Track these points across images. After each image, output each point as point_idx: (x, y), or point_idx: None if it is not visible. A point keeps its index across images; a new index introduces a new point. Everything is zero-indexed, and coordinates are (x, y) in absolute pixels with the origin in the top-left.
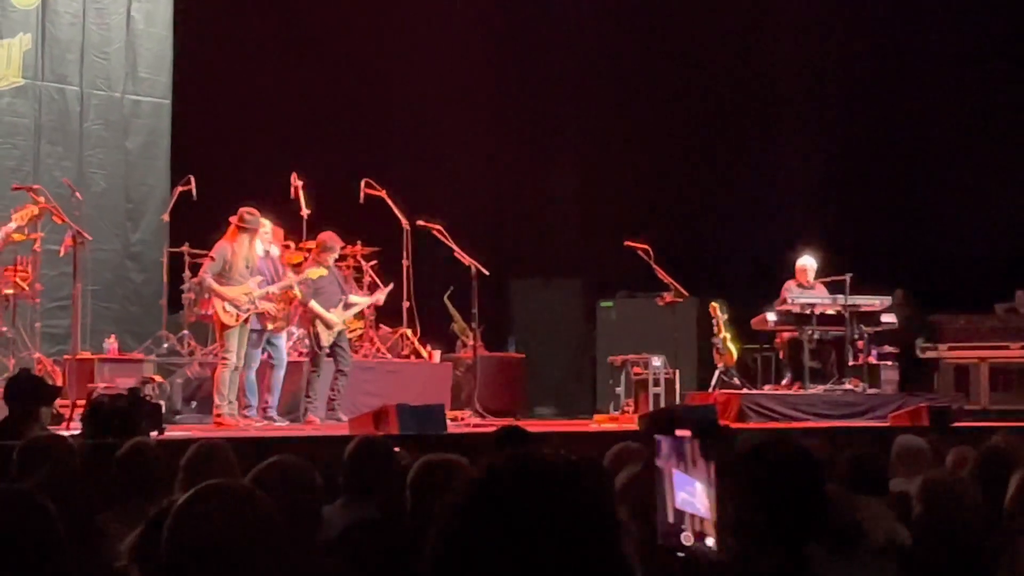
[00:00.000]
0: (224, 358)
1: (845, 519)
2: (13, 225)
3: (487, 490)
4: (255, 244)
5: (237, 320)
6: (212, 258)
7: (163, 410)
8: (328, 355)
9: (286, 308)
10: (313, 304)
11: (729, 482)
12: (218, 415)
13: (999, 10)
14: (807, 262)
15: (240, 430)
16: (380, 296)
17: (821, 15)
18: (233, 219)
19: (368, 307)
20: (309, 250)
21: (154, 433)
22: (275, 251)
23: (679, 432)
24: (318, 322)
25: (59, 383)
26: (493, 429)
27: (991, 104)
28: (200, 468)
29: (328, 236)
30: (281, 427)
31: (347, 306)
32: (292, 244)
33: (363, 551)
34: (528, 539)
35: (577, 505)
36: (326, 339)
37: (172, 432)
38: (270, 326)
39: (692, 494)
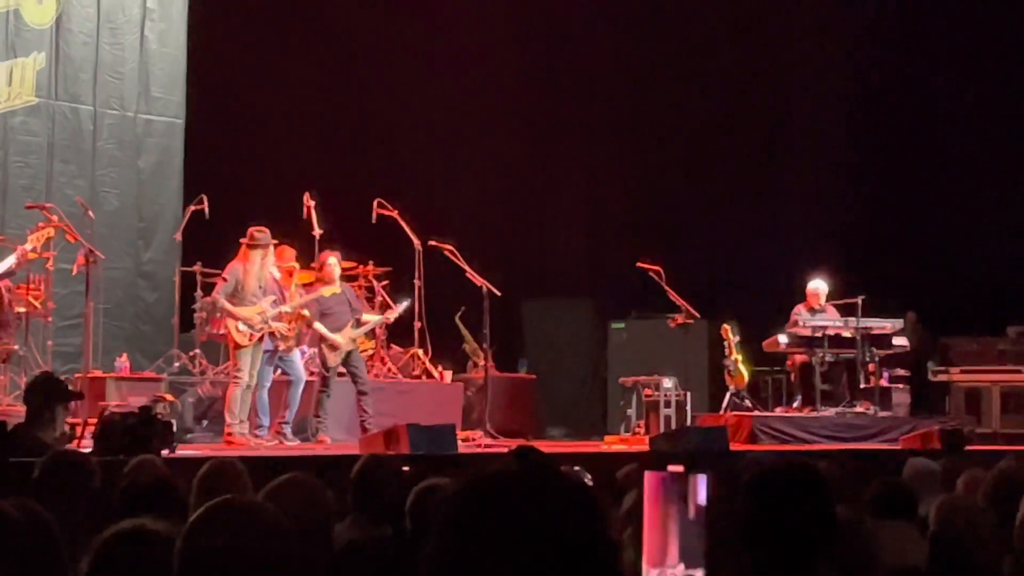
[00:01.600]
0: (236, 377)
1: (859, 543)
2: (29, 246)
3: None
4: (267, 263)
5: (251, 340)
6: (224, 279)
7: (174, 428)
8: (341, 375)
9: (297, 327)
10: (317, 325)
11: (739, 504)
12: (229, 434)
13: (1013, 35)
14: (818, 286)
15: (251, 449)
16: (392, 315)
17: (834, 38)
18: (244, 239)
19: (380, 326)
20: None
21: (165, 451)
22: (275, 273)
23: (671, 468)
24: (324, 344)
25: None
26: (504, 450)
27: (1004, 127)
28: (213, 486)
29: (329, 256)
30: (292, 446)
31: (359, 324)
32: (297, 265)
33: (369, 569)
34: (512, 557)
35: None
36: (332, 360)
37: (183, 451)
38: (281, 346)
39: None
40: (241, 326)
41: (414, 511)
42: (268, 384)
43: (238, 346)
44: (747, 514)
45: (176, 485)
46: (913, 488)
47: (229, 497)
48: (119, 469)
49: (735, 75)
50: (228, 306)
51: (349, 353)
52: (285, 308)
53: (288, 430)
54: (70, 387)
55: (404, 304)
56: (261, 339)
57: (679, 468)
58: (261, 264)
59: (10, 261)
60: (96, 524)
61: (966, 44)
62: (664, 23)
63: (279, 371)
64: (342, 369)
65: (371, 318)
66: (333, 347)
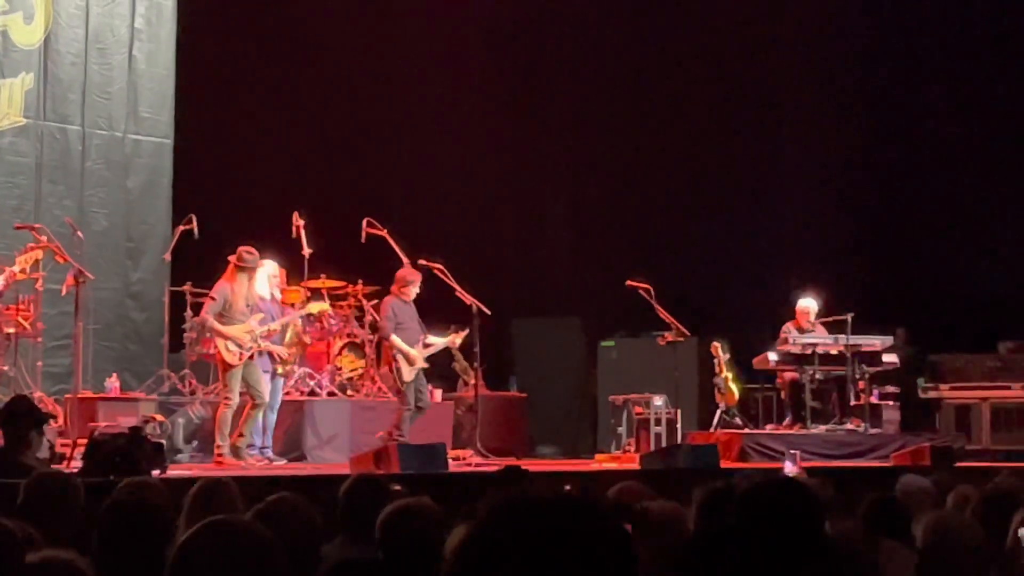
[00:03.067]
0: (227, 398)
1: (862, 560)
2: (17, 268)
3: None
4: (255, 283)
5: (240, 359)
6: (213, 298)
7: (165, 449)
8: (331, 395)
9: (297, 352)
10: (395, 339)
11: (729, 521)
12: (219, 455)
13: (1005, 56)
14: (808, 304)
15: (242, 469)
16: (457, 339)
17: (826, 56)
18: (232, 258)
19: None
20: (311, 288)
21: (156, 472)
22: (277, 294)
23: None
24: (400, 357)
25: (60, 421)
26: (495, 468)
27: (995, 144)
28: (205, 505)
29: (407, 271)
30: (281, 466)
31: (425, 346)
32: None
33: None
34: None
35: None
36: (408, 374)
37: (174, 471)
38: (280, 370)
39: None
40: (231, 345)
41: (386, 535)
42: (277, 405)
43: (228, 366)
44: (736, 531)
45: (162, 506)
46: (905, 506)
47: (218, 517)
48: (107, 490)
49: (726, 92)
50: (217, 325)
51: (419, 371)
52: (274, 325)
53: (270, 453)
54: (41, 409)
55: (466, 331)
56: (251, 357)
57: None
58: (248, 284)
59: None
60: (82, 545)
61: (958, 64)
62: (652, 41)
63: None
64: (331, 388)
65: (436, 340)
66: (410, 361)
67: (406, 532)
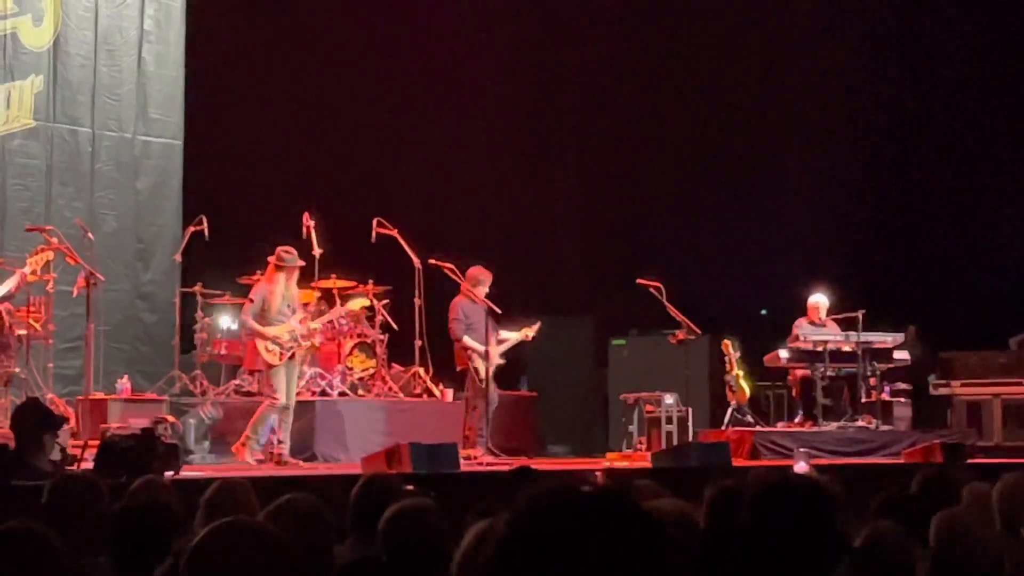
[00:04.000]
0: (273, 398)
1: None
2: (28, 270)
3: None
4: (293, 282)
5: (281, 358)
6: (251, 299)
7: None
8: (344, 395)
9: (312, 350)
10: (467, 339)
11: (742, 520)
12: (242, 444)
13: (1014, 50)
14: (819, 299)
15: (252, 468)
16: (530, 332)
17: (833, 54)
18: (271, 259)
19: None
20: (323, 289)
21: (170, 473)
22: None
23: None
24: (475, 356)
25: (72, 423)
26: (506, 467)
27: (1005, 141)
28: (221, 505)
29: (478, 270)
30: (293, 465)
31: (499, 343)
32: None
33: None
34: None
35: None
36: (484, 372)
37: (187, 472)
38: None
39: None
40: (270, 346)
41: (388, 538)
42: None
43: (270, 366)
44: (750, 530)
45: (174, 507)
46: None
47: (231, 519)
48: (121, 491)
49: (734, 90)
50: (256, 326)
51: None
52: (314, 324)
53: (286, 450)
54: (55, 412)
55: (537, 324)
56: (292, 357)
57: None
58: (287, 284)
59: (9, 284)
60: (101, 546)
61: (966, 61)
62: (661, 41)
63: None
64: (343, 388)
65: (510, 335)
66: (484, 358)
67: (407, 532)
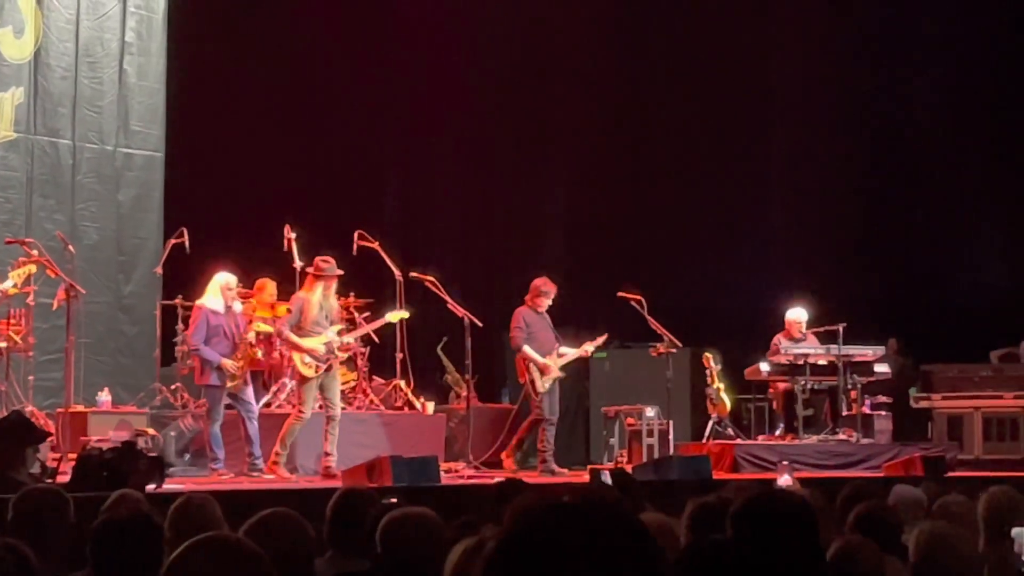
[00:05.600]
0: (300, 411)
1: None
2: (10, 283)
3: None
4: (331, 292)
5: (316, 371)
6: (289, 310)
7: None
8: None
9: (245, 366)
10: (527, 349)
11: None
12: (274, 462)
13: (998, 63)
14: (799, 314)
15: (227, 482)
16: (590, 347)
17: (817, 64)
18: (309, 269)
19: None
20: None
21: (151, 486)
22: (238, 307)
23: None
24: (533, 368)
25: (52, 436)
26: (490, 481)
27: (987, 154)
28: (184, 521)
29: (542, 281)
30: (269, 479)
31: (559, 355)
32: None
33: None
34: None
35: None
36: (542, 385)
37: (167, 485)
38: (229, 384)
39: None
40: (306, 358)
41: (384, 543)
42: (220, 420)
43: (304, 379)
44: (732, 544)
45: (155, 520)
46: (897, 520)
47: (210, 534)
48: (97, 505)
49: (715, 101)
50: (292, 337)
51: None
52: (348, 338)
53: (261, 464)
54: (38, 426)
55: (602, 338)
56: (328, 369)
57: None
58: (324, 294)
59: None
60: (73, 559)
61: (949, 72)
62: (644, 51)
63: (235, 411)
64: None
65: (568, 351)
66: (543, 371)
67: (407, 541)
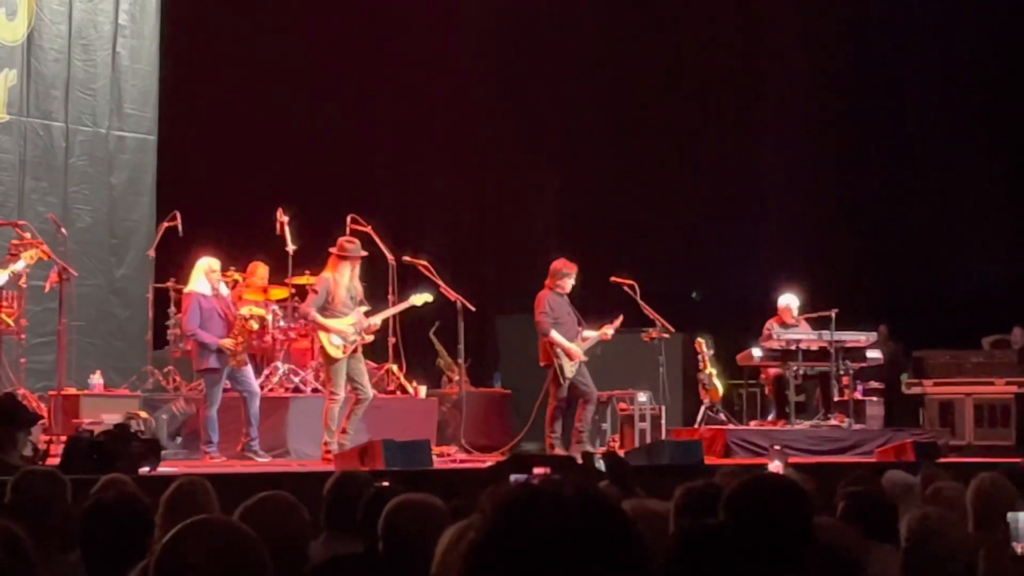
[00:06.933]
0: (332, 392)
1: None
2: (22, 264)
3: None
4: (356, 273)
5: (344, 352)
6: (315, 291)
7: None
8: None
9: (245, 343)
10: (554, 334)
11: (717, 517)
12: (327, 451)
13: (994, 52)
14: (789, 300)
15: (221, 465)
16: (609, 330)
17: (809, 52)
18: (332, 250)
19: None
20: (295, 286)
21: (145, 468)
22: (224, 290)
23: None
24: (560, 352)
25: (44, 418)
26: (480, 464)
27: (981, 141)
28: (180, 504)
29: (561, 263)
30: (264, 463)
31: (583, 339)
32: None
33: None
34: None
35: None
36: (569, 370)
37: (160, 468)
38: (232, 363)
39: None
40: (334, 339)
41: (387, 527)
42: (217, 404)
43: (331, 360)
44: (725, 529)
45: (144, 504)
46: (892, 507)
47: (202, 517)
48: (88, 487)
49: (708, 88)
50: (319, 319)
51: (580, 364)
52: (374, 320)
53: (256, 446)
54: (29, 409)
55: (618, 320)
56: (355, 351)
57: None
58: (352, 275)
59: (1, 280)
60: (66, 541)
61: (944, 61)
62: (637, 38)
63: (236, 391)
64: (316, 385)
65: (590, 334)
66: (570, 356)
67: (411, 526)
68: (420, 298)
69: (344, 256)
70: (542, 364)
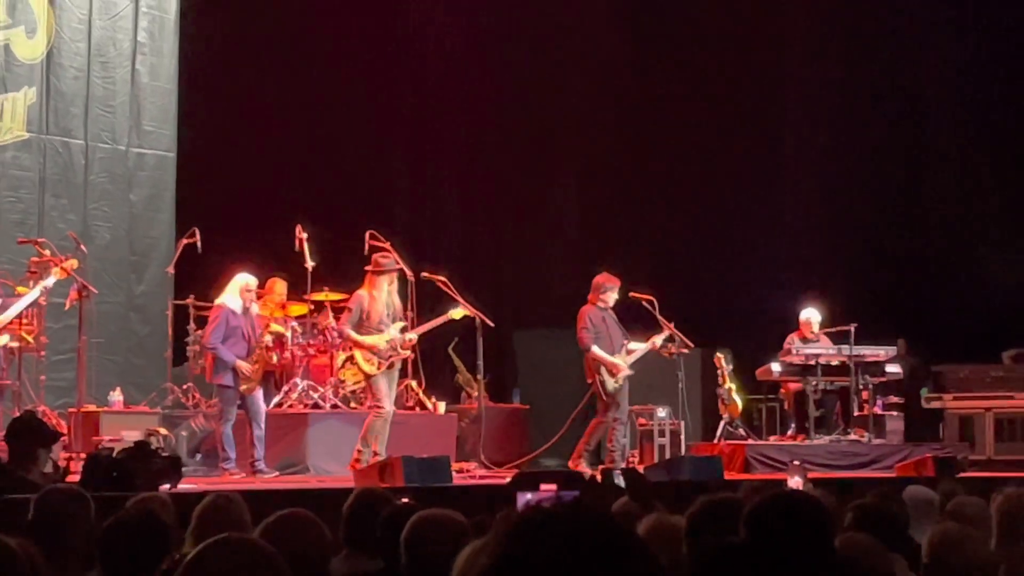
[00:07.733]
0: (375, 406)
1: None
2: (52, 280)
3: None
4: (394, 288)
5: (379, 368)
6: (350, 309)
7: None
8: (335, 408)
9: (259, 371)
10: (595, 350)
11: (738, 534)
12: (357, 459)
13: (1006, 63)
14: (811, 315)
15: (245, 481)
16: (658, 340)
17: (825, 67)
18: (368, 268)
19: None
20: (314, 302)
21: (166, 486)
22: (255, 309)
23: (544, 487)
24: (603, 369)
25: (64, 436)
26: (500, 481)
27: (998, 152)
28: (214, 519)
29: (604, 277)
30: (276, 479)
31: (628, 352)
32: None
33: None
34: None
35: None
36: (612, 386)
37: (180, 485)
38: (243, 387)
39: None
40: (368, 355)
41: (410, 544)
42: (232, 420)
43: (368, 376)
44: (747, 546)
45: (165, 522)
46: (904, 518)
47: (225, 535)
48: (111, 505)
49: (727, 104)
50: (354, 336)
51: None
52: (411, 335)
53: (262, 465)
54: (50, 426)
55: (666, 334)
56: (391, 366)
57: (551, 487)
58: (388, 290)
59: (34, 295)
60: (88, 560)
61: (960, 76)
62: (655, 53)
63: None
64: (335, 401)
65: (637, 346)
66: (612, 372)
67: (434, 543)
68: (458, 312)
69: (380, 271)
70: (588, 381)
